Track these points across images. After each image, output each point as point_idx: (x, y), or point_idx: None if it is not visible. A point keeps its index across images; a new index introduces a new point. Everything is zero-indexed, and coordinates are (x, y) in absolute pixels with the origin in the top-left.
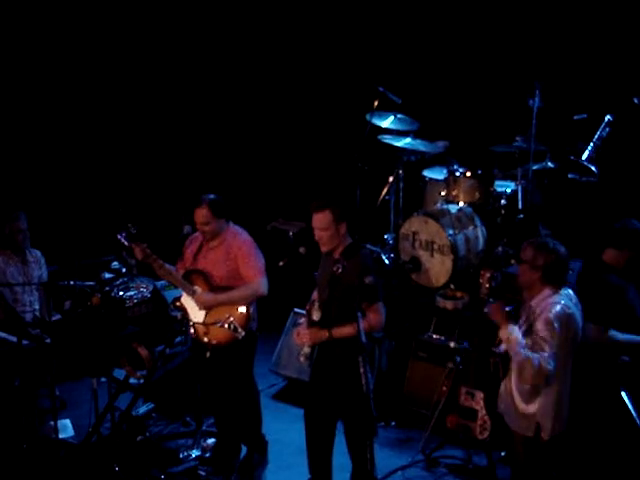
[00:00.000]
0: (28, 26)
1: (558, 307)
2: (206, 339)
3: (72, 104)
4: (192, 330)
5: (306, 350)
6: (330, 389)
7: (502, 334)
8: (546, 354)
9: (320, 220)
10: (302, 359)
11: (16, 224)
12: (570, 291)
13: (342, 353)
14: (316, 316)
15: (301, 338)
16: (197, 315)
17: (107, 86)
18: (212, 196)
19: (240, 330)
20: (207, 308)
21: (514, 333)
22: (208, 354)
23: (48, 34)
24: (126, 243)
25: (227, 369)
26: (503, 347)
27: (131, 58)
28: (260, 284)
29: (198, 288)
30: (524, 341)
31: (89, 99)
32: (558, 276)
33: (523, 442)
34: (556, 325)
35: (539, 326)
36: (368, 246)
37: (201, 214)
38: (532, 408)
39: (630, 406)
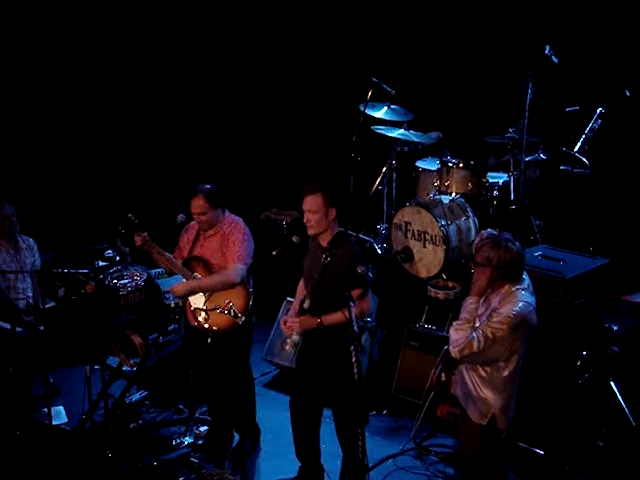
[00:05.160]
0: (21, 17)
1: (520, 304)
2: (207, 325)
3: (65, 92)
4: (192, 317)
5: (295, 338)
6: (320, 377)
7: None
8: (483, 339)
9: (311, 203)
10: (288, 347)
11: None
12: (527, 279)
13: (331, 342)
14: (306, 304)
15: (290, 326)
16: (197, 301)
17: (100, 75)
18: (208, 186)
19: (240, 315)
20: (181, 297)
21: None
22: (209, 340)
23: (39, 24)
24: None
25: (225, 356)
26: None
27: (123, 48)
28: (234, 270)
29: (198, 274)
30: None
31: (83, 87)
32: (515, 272)
33: (480, 432)
34: (510, 324)
35: (494, 318)
36: (361, 235)
37: (197, 204)
38: (488, 394)
39: (619, 396)
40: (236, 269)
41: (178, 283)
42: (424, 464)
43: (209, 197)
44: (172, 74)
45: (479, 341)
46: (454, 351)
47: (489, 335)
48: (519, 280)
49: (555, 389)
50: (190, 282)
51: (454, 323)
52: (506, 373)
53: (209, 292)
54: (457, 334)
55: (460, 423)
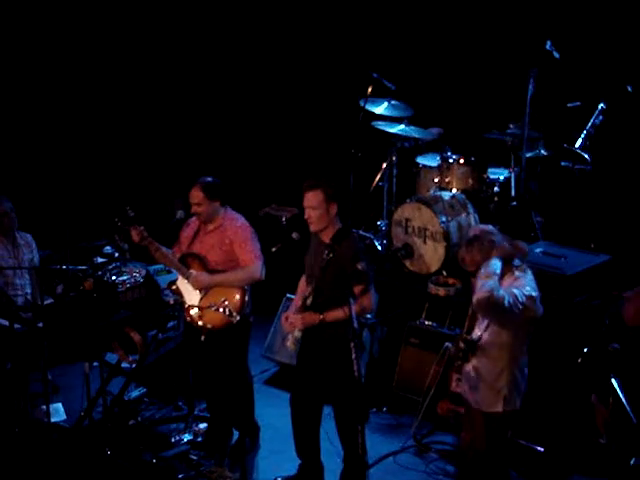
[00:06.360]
0: (21, 17)
1: (528, 288)
2: (201, 323)
3: (63, 89)
4: (187, 314)
5: (297, 334)
6: (320, 374)
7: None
8: (511, 298)
9: (311, 199)
10: (289, 344)
11: None
12: (529, 273)
13: (331, 338)
14: (308, 300)
15: (292, 323)
16: (192, 298)
17: (98, 70)
18: (209, 178)
19: (235, 314)
20: (203, 288)
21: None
22: (203, 337)
23: (38, 22)
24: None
25: (221, 354)
26: (475, 335)
27: (123, 44)
28: (257, 268)
29: (194, 271)
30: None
31: (80, 84)
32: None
33: (485, 421)
34: (523, 300)
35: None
36: (361, 232)
37: (194, 195)
38: (500, 382)
39: (620, 393)
40: (258, 267)
41: (200, 274)
42: (424, 461)
43: (206, 189)
44: (171, 70)
45: (508, 298)
46: (480, 296)
47: (513, 296)
48: (519, 267)
49: (556, 386)
50: (214, 276)
51: (480, 274)
52: (505, 356)
53: (209, 289)
54: (486, 280)
55: (465, 419)
